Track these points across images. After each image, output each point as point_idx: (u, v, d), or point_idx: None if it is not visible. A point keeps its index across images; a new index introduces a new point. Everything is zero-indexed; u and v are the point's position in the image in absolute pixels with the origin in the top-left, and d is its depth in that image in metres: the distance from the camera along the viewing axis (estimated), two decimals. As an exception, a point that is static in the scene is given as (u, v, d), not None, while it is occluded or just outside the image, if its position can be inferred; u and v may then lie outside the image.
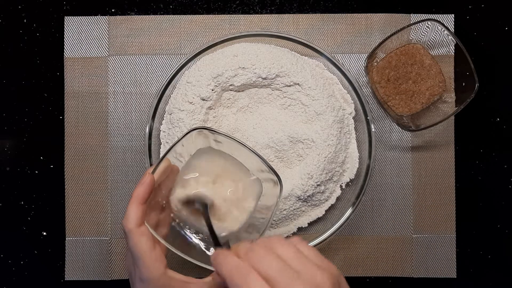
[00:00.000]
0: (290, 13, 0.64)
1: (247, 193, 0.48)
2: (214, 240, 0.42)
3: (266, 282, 0.34)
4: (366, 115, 0.59)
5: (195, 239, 0.48)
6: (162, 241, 0.45)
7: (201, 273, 0.47)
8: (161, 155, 0.59)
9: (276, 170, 0.53)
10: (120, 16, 0.63)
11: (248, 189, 0.48)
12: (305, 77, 0.58)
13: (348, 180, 0.61)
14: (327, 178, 0.58)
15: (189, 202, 0.47)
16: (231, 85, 0.58)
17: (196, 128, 0.46)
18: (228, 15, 0.63)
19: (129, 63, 0.63)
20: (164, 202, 0.47)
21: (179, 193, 0.46)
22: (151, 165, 0.59)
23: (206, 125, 0.58)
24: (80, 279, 0.63)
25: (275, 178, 0.47)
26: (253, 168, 0.49)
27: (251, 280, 0.34)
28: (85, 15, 0.63)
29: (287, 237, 0.61)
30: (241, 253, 0.37)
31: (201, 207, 0.45)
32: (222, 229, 0.46)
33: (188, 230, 0.48)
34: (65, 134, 0.63)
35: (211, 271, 0.45)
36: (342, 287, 0.38)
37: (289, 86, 0.58)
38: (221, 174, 0.48)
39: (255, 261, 0.35)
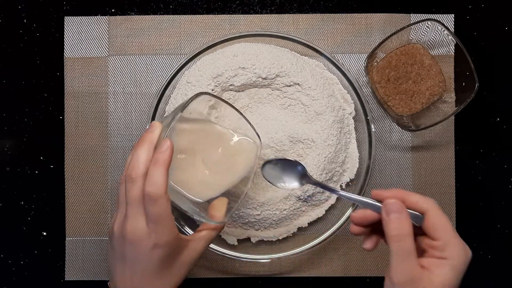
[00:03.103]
0: (290, 13, 0.64)
1: (237, 150, 0.51)
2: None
3: None
4: (366, 115, 0.59)
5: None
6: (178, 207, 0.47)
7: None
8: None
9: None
10: (120, 16, 0.63)
11: (236, 148, 0.51)
12: (305, 77, 0.58)
13: (348, 180, 0.61)
14: (327, 178, 0.58)
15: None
16: (231, 85, 0.58)
17: (198, 95, 0.47)
18: (228, 15, 0.63)
19: (129, 63, 0.63)
20: None
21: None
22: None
23: None
24: (80, 279, 0.63)
25: (253, 135, 0.49)
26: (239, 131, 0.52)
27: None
28: (85, 15, 0.63)
29: (287, 237, 0.61)
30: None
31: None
32: (220, 185, 0.49)
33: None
34: (65, 134, 0.63)
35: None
36: None
37: (289, 86, 0.58)
38: (209, 136, 0.51)
39: None
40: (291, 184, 0.51)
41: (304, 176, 0.50)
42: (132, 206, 0.43)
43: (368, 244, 0.45)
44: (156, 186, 0.42)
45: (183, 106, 0.46)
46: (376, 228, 0.45)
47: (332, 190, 0.48)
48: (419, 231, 0.42)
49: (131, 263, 0.44)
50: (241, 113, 0.50)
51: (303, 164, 0.52)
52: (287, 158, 0.54)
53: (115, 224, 0.45)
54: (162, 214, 0.43)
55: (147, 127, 0.47)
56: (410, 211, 0.42)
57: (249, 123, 0.50)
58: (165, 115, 0.58)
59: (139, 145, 0.44)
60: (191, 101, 0.46)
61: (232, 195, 0.51)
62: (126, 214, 0.44)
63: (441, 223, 0.42)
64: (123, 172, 0.46)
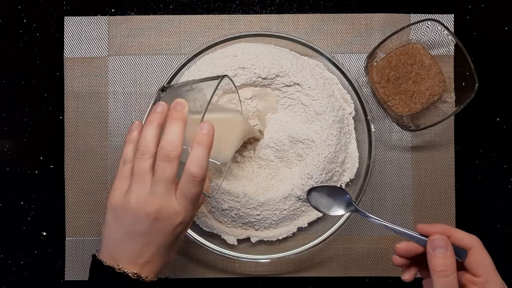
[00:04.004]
0: (290, 13, 0.64)
1: (231, 129, 0.54)
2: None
3: None
4: (366, 115, 0.59)
5: None
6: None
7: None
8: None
9: (276, 169, 0.58)
10: (120, 16, 0.63)
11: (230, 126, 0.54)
12: (305, 77, 0.58)
13: (348, 180, 0.61)
14: (327, 178, 0.58)
15: None
16: (231, 85, 0.58)
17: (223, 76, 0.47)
18: (228, 15, 0.63)
19: (129, 63, 0.63)
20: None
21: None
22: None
23: None
24: (80, 279, 0.63)
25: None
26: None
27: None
28: (85, 15, 0.63)
29: (287, 237, 0.61)
30: None
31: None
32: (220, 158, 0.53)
33: None
34: (65, 134, 0.63)
35: None
36: None
37: (289, 86, 0.58)
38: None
39: None
40: (337, 211, 0.51)
41: (350, 205, 0.51)
42: (164, 185, 0.43)
43: (407, 275, 0.47)
44: (202, 168, 0.42)
45: (214, 87, 0.45)
46: (415, 260, 0.46)
47: (379, 222, 0.48)
48: (458, 266, 0.43)
49: (148, 238, 0.44)
50: (240, 99, 0.55)
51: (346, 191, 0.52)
52: (329, 184, 0.56)
53: (131, 199, 0.43)
54: (199, 194, 0.44)
55: (163, 105, 0.45)
56: (453, 246, 0.43)
57: (241, 112, 0.55)
58: (174, 84, 0.54)
59: (173, 123, 0.43)
60: (219, 82, 0.45)
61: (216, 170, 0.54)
62: (155, 192, 0.43)
63: (484, 260, 0.43)
64: (135, 146, 0.44)
